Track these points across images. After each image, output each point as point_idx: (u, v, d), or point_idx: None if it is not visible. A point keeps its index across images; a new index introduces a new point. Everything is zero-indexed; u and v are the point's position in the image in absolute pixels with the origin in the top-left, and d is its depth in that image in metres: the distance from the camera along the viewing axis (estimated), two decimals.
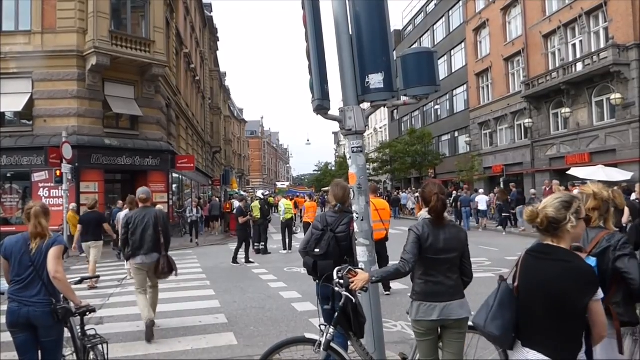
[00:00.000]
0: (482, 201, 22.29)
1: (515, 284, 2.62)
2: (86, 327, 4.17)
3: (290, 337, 4.02)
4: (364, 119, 3.99)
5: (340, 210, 4.68)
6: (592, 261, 2.83)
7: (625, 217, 7.96)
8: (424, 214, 3.73)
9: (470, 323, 3.60)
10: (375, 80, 3.89)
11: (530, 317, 2.50)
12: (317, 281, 4.50)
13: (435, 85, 3.95)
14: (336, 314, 3.81)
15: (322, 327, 3.84)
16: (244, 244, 13.97)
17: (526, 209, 2.64)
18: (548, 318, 2.41)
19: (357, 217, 3.94)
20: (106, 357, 4.11)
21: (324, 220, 4.69)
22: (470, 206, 22.39)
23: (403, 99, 4.06)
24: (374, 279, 3.60)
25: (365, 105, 4.13)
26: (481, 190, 24.50)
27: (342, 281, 3.70)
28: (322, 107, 3.82)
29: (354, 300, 3.77)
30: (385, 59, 3.91)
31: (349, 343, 3.98)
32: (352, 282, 3.54)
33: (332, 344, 3.75)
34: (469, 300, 3.55)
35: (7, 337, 3.97)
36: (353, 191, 3.97)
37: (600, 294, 2.37)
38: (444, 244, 3.49)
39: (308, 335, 3.92)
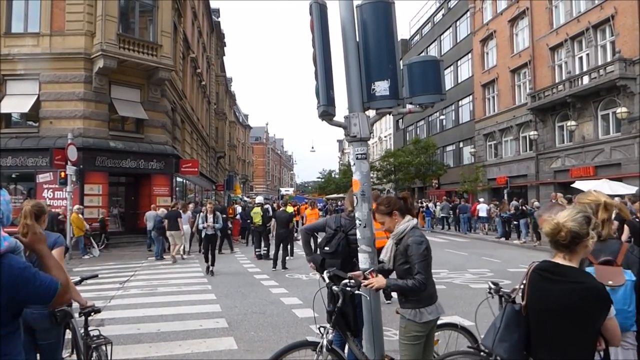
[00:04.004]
0: (482, 209, 24.89)
1: (524, 302, 2.59)
2: (89, 328, 4.17)
3: (293, 342, 4.01)
4: (369, 126, 4.00)
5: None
6: (629, 274, 2.81)
7: (625, 234, 7.33)
8: (409, 224, 3.65)
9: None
10: (381, 87, 3.90)
11: (544, 336, 2.48)
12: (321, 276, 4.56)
13: (441, 93, 3.95)
14: (333, 315, 3.81)
15: (321, 329, 3.84)
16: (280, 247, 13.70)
17: (543, 222, 2.54)
18: (564, 338, 2.40)
19: (360, 224, 3.94)
20: (109, 357, 4.11)
21: (338, 222, 4.86)
22: (473, 213, 25.43)
23: (408, 107, 4.06)
24: (390, 287, 3.59)
25: (371, 113, 4.13)
26: (482, 199, 27.17)
27: (352, 282, 3.70)
28: (327, 112, 3.82)
29: (368, 298, 3.85)
30: (391, 67, 3.92)
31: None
32: (370, 283, 3.56)
33: (332, 345, 3.76)
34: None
35: None
36: (356, 198, 3.97)
37: (613, 311, 2.36)
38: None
39: (310, 339, 3.93)
